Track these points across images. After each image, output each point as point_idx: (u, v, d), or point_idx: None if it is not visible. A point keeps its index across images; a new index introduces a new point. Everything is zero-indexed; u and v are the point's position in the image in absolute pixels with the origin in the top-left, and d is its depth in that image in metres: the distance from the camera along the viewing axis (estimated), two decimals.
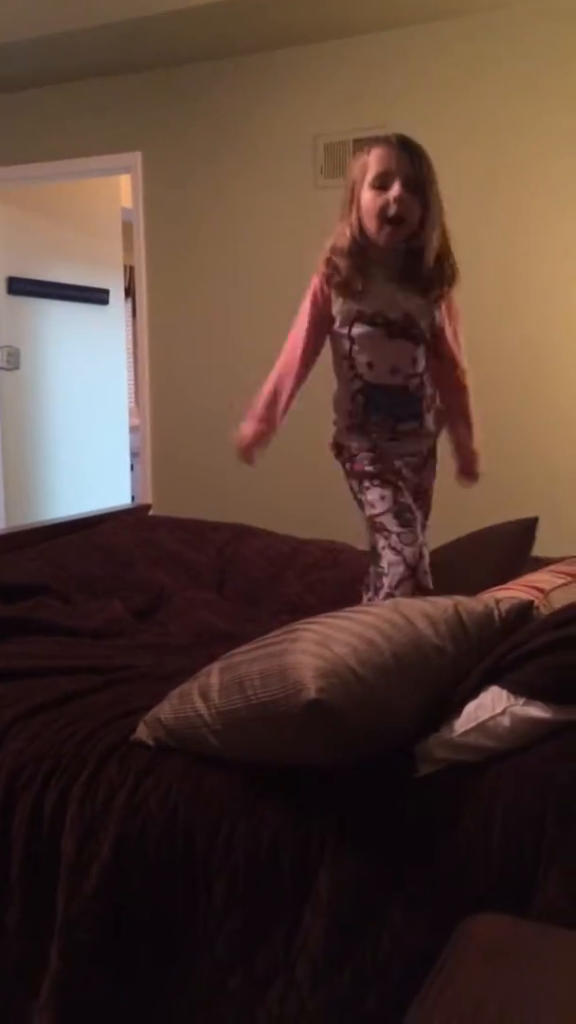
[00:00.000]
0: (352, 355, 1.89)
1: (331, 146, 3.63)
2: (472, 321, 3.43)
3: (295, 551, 2.61)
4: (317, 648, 1.20)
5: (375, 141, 1.80)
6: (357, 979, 1.08)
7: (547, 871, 1.07)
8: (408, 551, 1.81)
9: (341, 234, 1.84)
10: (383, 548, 1.84)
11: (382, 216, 1.77)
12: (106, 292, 5.09)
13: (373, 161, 1.78)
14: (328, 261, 1.86)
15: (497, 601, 1.37)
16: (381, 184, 1.77)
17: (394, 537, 1.83)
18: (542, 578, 1.64)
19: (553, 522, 2.38)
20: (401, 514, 1.85)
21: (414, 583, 1.80)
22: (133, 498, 5.10)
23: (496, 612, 1.33)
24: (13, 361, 4.63)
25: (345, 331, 1.87)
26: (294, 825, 1.16)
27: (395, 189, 1.75)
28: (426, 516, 2.01)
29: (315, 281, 1.89)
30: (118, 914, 1.22)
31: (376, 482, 1.89)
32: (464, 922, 0.87)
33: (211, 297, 3.90)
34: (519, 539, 2.11)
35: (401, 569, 1.80)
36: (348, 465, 1.97)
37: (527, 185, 3.37)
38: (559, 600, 1.51)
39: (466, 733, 1.19)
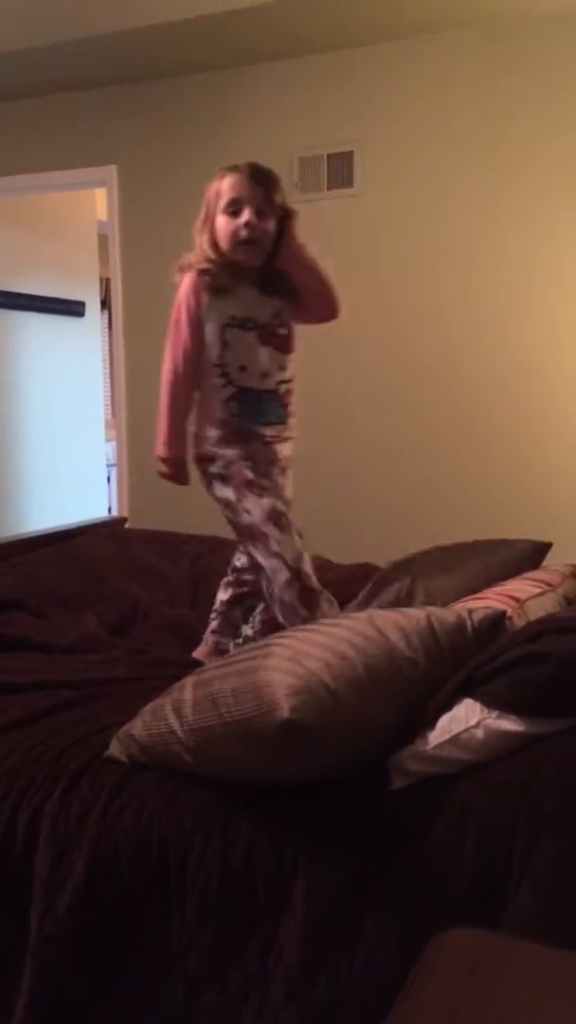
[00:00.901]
0: (224, 360, 1.95)
1: (306, 160, 3.66)
2: (461, 336, 3.49)
3: None
4: (289, 664, 1.20)
5: (228, 170, 1.93)
6: (332, 993, 1.08)
7: (519, 881, 1.07)
8: (289, 554, 1.87)
9: (200, 247, 1.95)
10: (263, 556, 1.90)
11: (235, 239, 1.90)
12: (82, 304, 5.08)
13: (226, 188, 1.91)
14: (196, 269, 1.95)
15: (470, 611, 1.37)
16: (233, 210, 1.89)
17: (273, 543, 1.88)
18: (518, 587, 1.64)
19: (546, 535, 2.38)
20: (279, 520, 1.91)
21: (300, 586, 1.86)
22: (110, 510, 5.08)
23: (469, 623, 1.34)
24: None
25: (217, 336, 1.95)
26: (268, 839, 1.16)
27: (245, 215, 1.88)
28: None
29: (183, 291, 1.96)
30: (92, 931, 1.21)
31: (255, 490, 1.93)
32: (437, 936, 0.88)
33: None
34: (527, 560, 2.06)
35: (285, 574, 1.86)
36: (221, 475, 1.97)
37: (496, 198, 3.40)
38: (534, 610, 1.51)
39: (440, 746, 1.19)
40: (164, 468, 2.02)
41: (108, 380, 5.41)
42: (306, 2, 3.10)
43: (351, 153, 3.57)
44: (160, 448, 2.02)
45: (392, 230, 3.55)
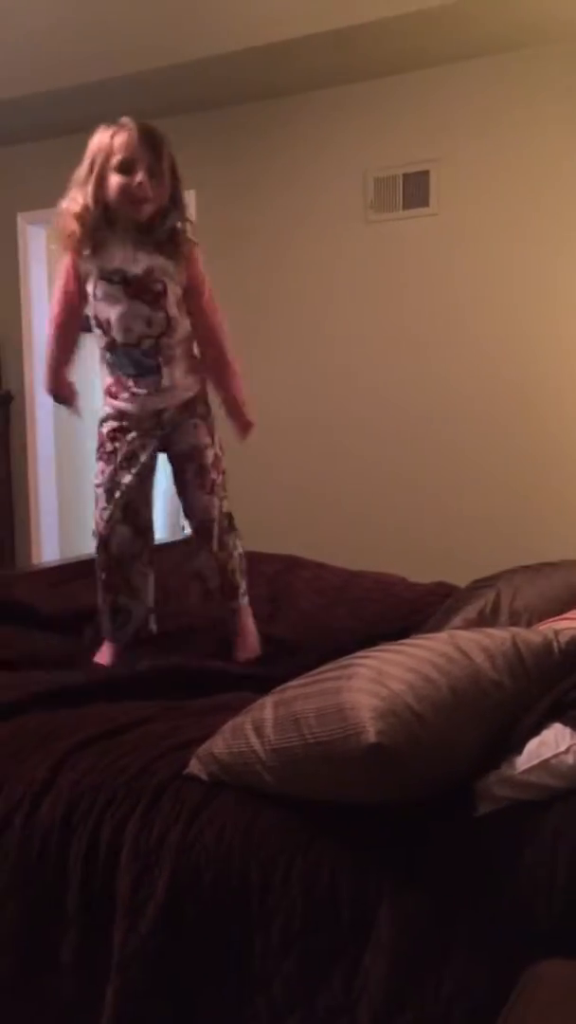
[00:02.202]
0: (96, 312, 2.06)
1: (381, 181, 3.67)
2: (539, 354, 3.45)
3: (345, 583, 2.60)
4: (373, 686, 1.18)
5: (118, 127, 1.97)
6: (420, 1022, 1.06)
7: None
8: (102, 524, 2.13)
9: (74, 200, 2.00)
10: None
11: (126, 197, 1.94)
12: None
13: (117, 147, 1.94)
14: (64, 224, 2.01)
15: (556, 633, 1.34)
16: (125, 169, 1.93)
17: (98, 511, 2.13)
18: None
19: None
20: (111, 491, 2.12)
21: (104, 554, 2.14)
22: (183, 528, 5.12)
23: (555, 644, 1.30)
24: None
25: (91, 289, 2.04)
26: (352, 863, 1.14)
27: (139, 176, 1.93)
28: (204, 474, 2.17)
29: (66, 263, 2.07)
30: (174, 952, 1.21)
31: (104, 456, 2.13)
32: (531, 967, 0.85)
33: (258, 330, 3.94)
34: None
35: (95, 540, 2.15)
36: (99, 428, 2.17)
37: (572, 218, 3.35)
38: None
39: (528, 771, 1.16)
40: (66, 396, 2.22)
41: None
42: (380, 26, 3.12)
43: (427, 173, 3.57)
44: (44, 385, 2.25)
45: (469, 250, 3.53)
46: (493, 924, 1.08)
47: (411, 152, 3.60)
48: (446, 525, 3.62)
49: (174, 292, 2.05)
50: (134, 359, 2.07)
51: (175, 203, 2.03)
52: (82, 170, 2.00)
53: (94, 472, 2.16)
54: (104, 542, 2.13)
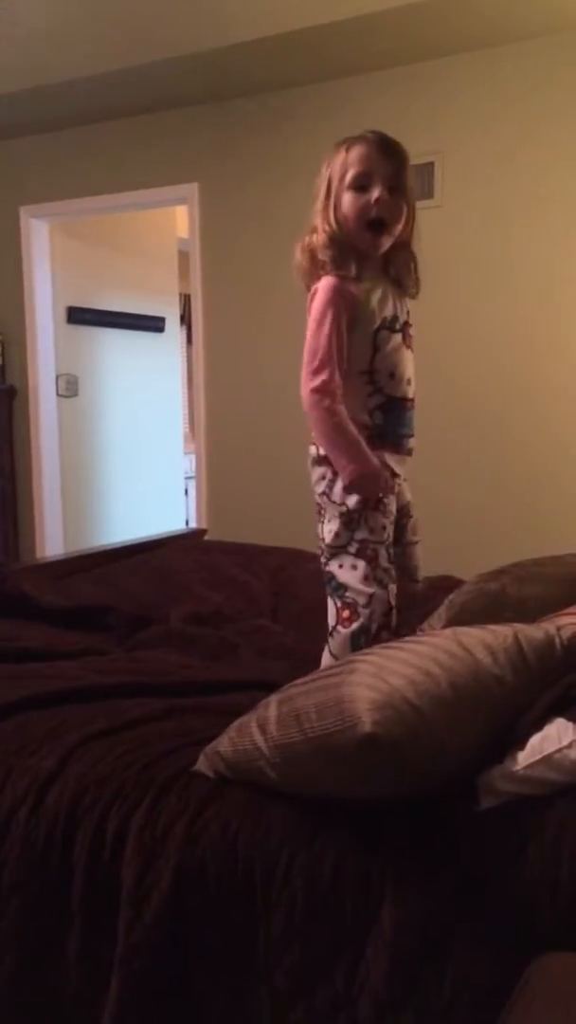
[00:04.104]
0: (374, 367, 1.75)
1: None
2: (544, 347, 3.44)
3: None
4: (373, 680, 1.19)
5: (355, 139, 1.71)
6: (422, 1017, 1.06)
7: None
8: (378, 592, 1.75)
9: (320, 230, 1.73)
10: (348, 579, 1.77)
11: (363, 218, 1.69)
12: (162, 320, 5.18)
13: (353, 160, 1.68)
14: (337, 272, 1.71)
15: (558, 628, 1.34)
16: (361, 185, 1.68)
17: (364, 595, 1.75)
18: None
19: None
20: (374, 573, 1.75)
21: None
22: (187, 522, 5.14)
23: (558, 640, 1.31)
24: (72, 388, 4.73)
25: (368, 340, 1.73)
26: (355, 858, 1.15)
27: (376, 191, 1.68)
28: (416, 528, 1.94)
29: (331, 285, 1.71)
30: (178, 944, 1.21)
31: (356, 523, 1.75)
32: (535, 961, 0.85)
33: (266, 324, 3.94)
34: None
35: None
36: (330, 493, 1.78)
37: None
38: None
39: (531, 766, 1.16)
40: (368, 491, 1.74)
41: (186, 394, 5.50)
42: (384, 17, 3.11)
43: (431, 164, 3.56)
44: (351, 471, 1.72)
45: (473, 241, 3.52)
46: (496, 918, 1.09)
47: (415, 144, 3.56)
48: (450, 518, 3.62)
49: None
50: (409, 418, 1.83)
51: (409, 230, 1.77)
52: (318, 198, 1.74)
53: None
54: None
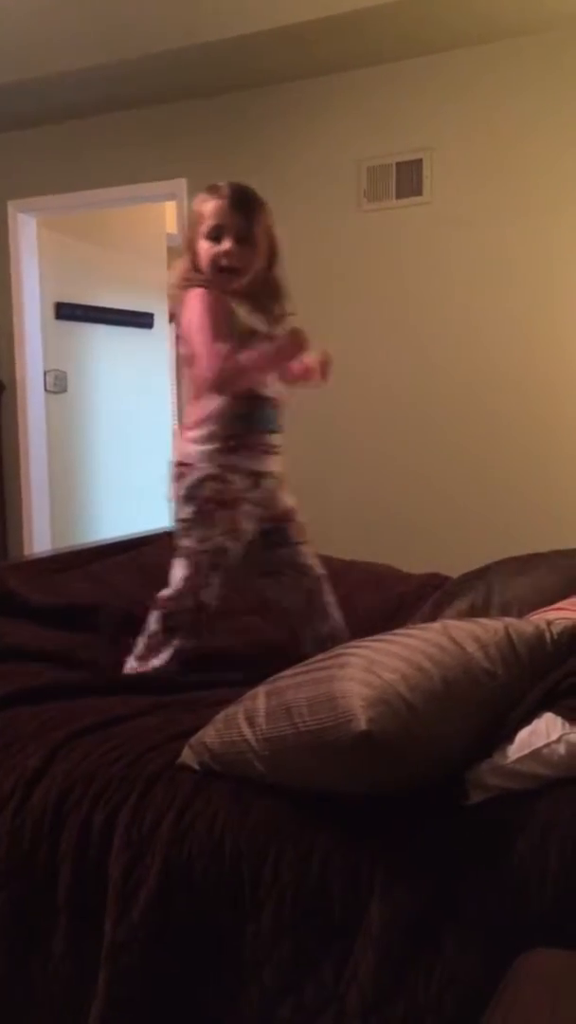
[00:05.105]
0: None
1: (374, 170, 3.65)
2: (535, 343, 3.44)
3: (337, 574, 2.59)
4: (365, 675, 1.18)
5: (211, 192, 1.92)
6: (410, 1012, 1.06)
7: None
8: (202, 591, 1.94)
9: (181, 268, 1.95)
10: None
11: (215, 265, 1.89)
12: (151, 316, 5.16)
13: (208, 214, 1.89)
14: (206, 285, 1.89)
15: (548, 623, 1.34)
16: (214, 236, 1.88)
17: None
18: None
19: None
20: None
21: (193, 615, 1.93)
22: None
23: (548, 635, 1.31)
24: (60, 384, 4.71)
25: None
26: (343, 852, 1.14)
27: (226, 243, 1.88)
28: (302, 529, 2.07)
29: (204, 298, 1.87)
30: (165, 940, 1.21)
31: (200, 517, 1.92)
32: (521, 956, 0.85)
33: None
34: None
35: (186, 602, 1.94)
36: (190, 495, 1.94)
37: (566, 206, 3.35)
38: None
39: (520, 760, 1.16)
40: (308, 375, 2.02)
41: (175, 390, 5.48)
42: (375, 13, 3.10)
43: (420, 161, 3.56)
44: (276, 362, 1.94)
45: (462, 238, 3.53)
46: (484, 913, 1.08)
47: (404, 141, 3.58)
48: (439, 515, 3.62)
49: None
50: (271, 414, 1.96)
51: (272, 272, 1.98)
52: (185, 237, 1.96)
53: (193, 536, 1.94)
54: (201, 607, 1.94)
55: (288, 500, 2.05)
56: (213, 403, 1.92)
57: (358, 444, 3.78)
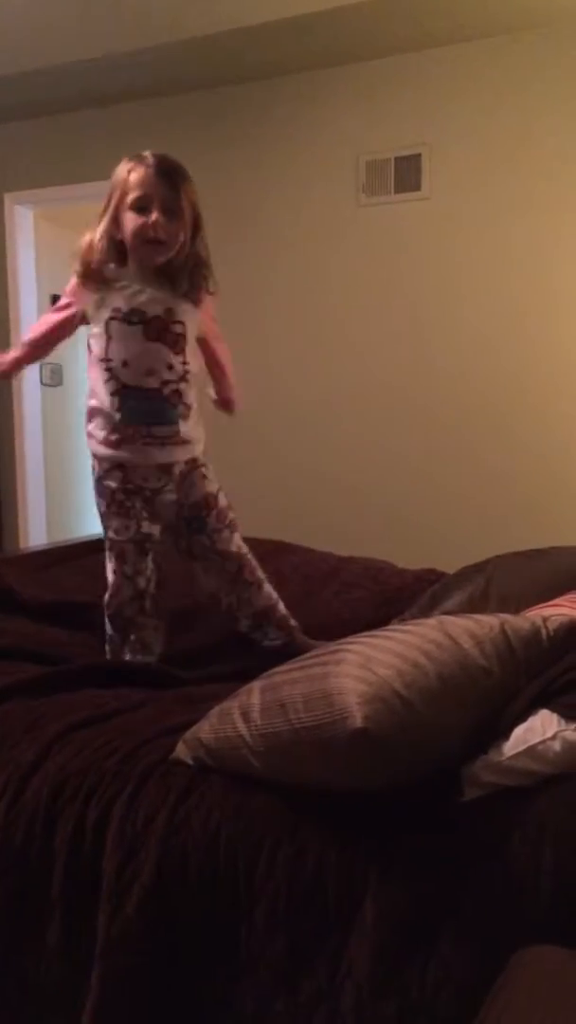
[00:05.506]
0: (109, 355, 1.92)
1: (372, 164, 3.65)
2: (534, 338, 3.44)
3: (334, 569, 2.59)
4: (360, 671, 1.18)
5: (137, 161, 1.89)
6: (404, 1009, 1.06)
7: None
8: (135, 579, 1.96)
9: (97, 236, 1.92)
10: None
11: (141, 237, 1.85)
12: None
13: (134, 183, 1.85)
14: (81, 259, 1.94)
15: (544, 619, 1.34)
16: (140, 207, 1.84)
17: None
18: None
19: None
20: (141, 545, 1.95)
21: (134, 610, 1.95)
22: None
23: (544, 631, 1.30)
24: (56, 378, 4.69)
25: (99, 329, 1.93)
26: (338, 848, 1.14)
27: (154, 215, 1.84)
28: (224, 514, 2.07)
29: (70, 288, 1.99)
30: (160, 935, 1.20)
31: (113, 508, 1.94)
32: (517, 953, 0.85)
33: (251, 314, 3.92)
34: None
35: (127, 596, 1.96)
36: (96, 486, 1.98)
37: (564, 202, 3.34)
38: None
39: (515, 757, 1.16)
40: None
41: None
42: (374, 6, 3.09)
43: (418, 156, 3.55)
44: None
45: (460, 233, 3.52)
46: (479, 910, 1.08)
47: (403, 135, 3.57)
48: (438, 511, 3.62)
49: (192, 338, 1.97)
50: (154, 407, 1.93)
51: (195, 245, 1.94)
52: (102, 204, 1.92)
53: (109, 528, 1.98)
54: (141, 594, 1.96)
55: (208, 487, 2.05)
56: (94, 399, 1.97)
57: (355, 439, 3.78)
